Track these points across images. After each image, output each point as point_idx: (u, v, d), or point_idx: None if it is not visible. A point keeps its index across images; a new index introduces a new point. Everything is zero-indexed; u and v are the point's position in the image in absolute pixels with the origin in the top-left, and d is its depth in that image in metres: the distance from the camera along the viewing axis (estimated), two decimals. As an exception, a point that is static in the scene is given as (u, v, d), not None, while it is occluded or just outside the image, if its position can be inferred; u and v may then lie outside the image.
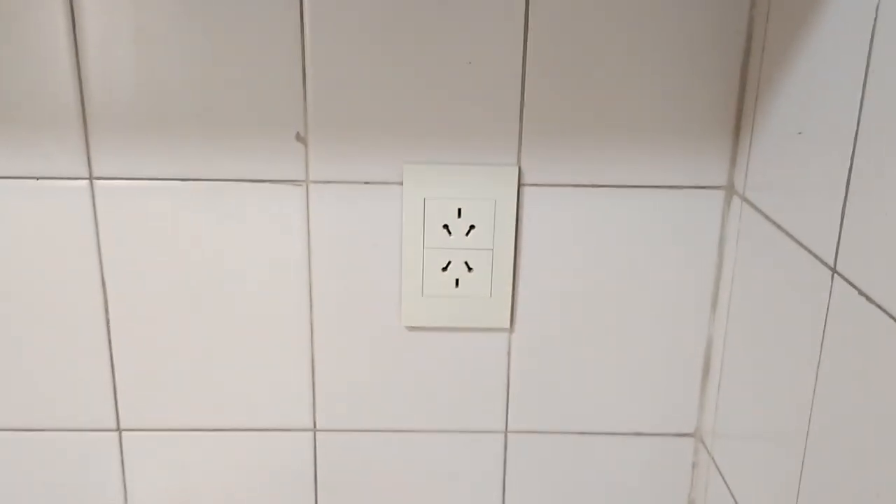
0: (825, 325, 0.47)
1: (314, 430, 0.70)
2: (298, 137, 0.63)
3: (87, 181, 0.63)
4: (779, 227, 0.54)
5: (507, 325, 0.67)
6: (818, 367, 0.48)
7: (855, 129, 0.44)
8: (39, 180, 0.63)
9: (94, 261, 0.65)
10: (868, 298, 0.42)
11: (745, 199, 0.61)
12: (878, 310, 0.41)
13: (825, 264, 0.47)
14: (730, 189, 0.64)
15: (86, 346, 0.67)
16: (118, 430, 0.70)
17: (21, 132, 0.62)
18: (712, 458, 0.67)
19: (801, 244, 0.51)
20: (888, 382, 0.41)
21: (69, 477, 0.71)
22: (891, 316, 0.40)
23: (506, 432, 0.71)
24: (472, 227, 0.64)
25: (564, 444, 0.71)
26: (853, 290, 0.44)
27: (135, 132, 0.62)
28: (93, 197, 0.64)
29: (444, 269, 0.65)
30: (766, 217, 0.57)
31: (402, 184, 0.64)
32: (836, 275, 0.46)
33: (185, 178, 0.63)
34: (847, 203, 0.45)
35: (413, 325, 0.67)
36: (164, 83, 0.61)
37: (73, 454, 0.70)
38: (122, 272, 0.66)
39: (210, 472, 0.71)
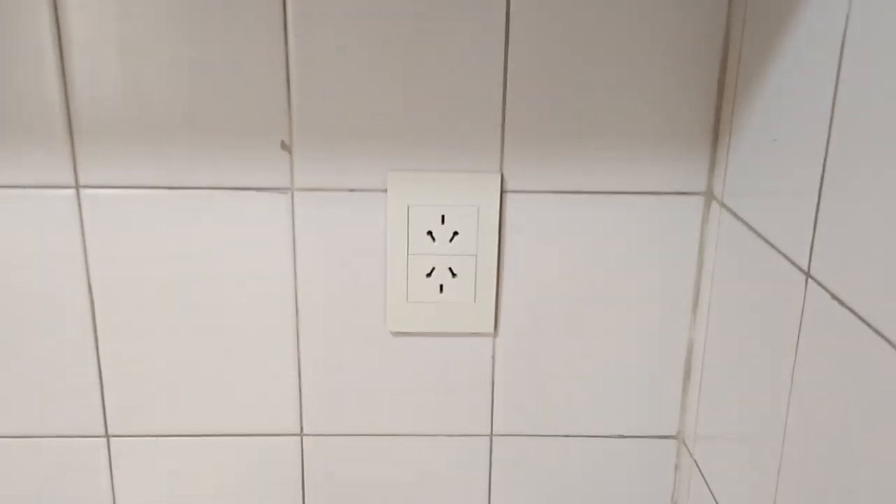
0: (800, 329, 0.48)
1: (301, 434, 0.71)
2: (283, 146, 0.63)
3: (73, 190, 0.64)
4: (756, 232, 0.55)
5: (492, 329, 0.68)
6: (794, 369, 0.49)
7: (826, 136, 0.45)
8: (26, 189, 0.63)
9: (81, 269, 0.65)
10: (840, 302, 0.43)
11: (723, 205, 0.62)
12: (849, 313, 0.42)
13: (799, 269, 0.48)
14: (709, 195, 0.65)
15: (73, 354, 0.68)
16: (106, 436, 0.70)
17: (7, 142, 0.62)
18: (694, 460, 0.68)
19: (776, 249, 0.52)
20: (860, 384, 0.41)
21: (58, 484, 0.71)
22: (862, 319, 0.41)
23: (491, 435, 0.71)
24: (455, 233, 0.65)
25: (549, 446, 0.72)
26: (826, 293, 0.45)
27: (121, 141, 0.62)
28: (79, 205, 0.64)
29: (429, 275, 0.66)
30: (744, 222, 0.58)
31: (386, 191, 0.64)
32: (809, 279, 0.47)
33: (171, 187, 0.64)
34: (819, 209, 0.46)
35: (398, 330, 0.68)
36: (150, 92, 0.61)
37: (62, 461, 0.71)
38: (108, 280, 0.66)
39: (198, 477, 0.72)
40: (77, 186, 0.64)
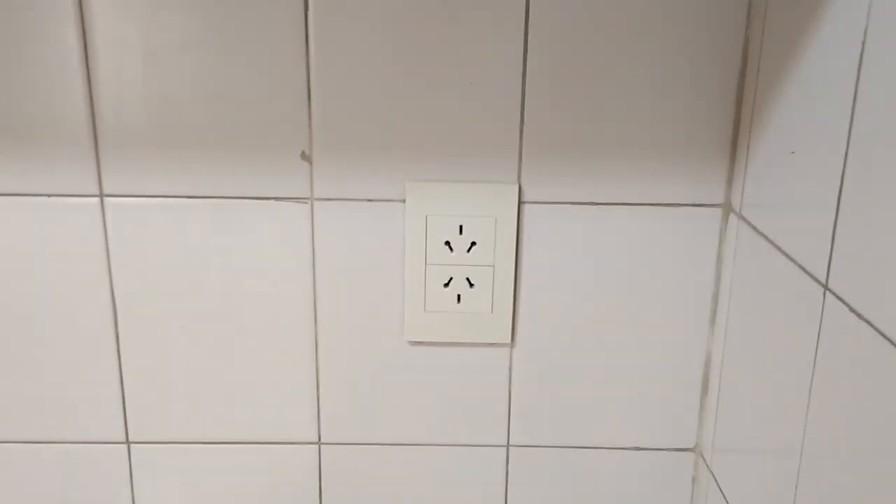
0: (818, 342, 0.48)
1: (319, 443, 0.71)
2: (303, 156, 0.64)
3: (97, 198, 0.65)
4: (774, 244, 0.55)
5: (509, 340, 0.68)
6: (812, 382, 0.49)
7: (845, 148, 0.45)
8: (51, 198, 0.64)
9: (104, 276, 0.66)
10: (858, 315, 0.43)
11: (741, 217, 0.62)
12: (867, 326, 0.42)
13: (817, 281, 0.48)
14: (727, 207, 0.65)
15: (95, 361, 0.69)
16: (127, 442, 0.71)
17: (33, 150, 0.63)
18: (712, 473, 0.68)
19: (794, 261, 0.52)
20: (878, 397, 0.41)
21: (79, 489, 0.72)
22: (879, 332, 0.41)
23: (508, 446, 0.71)
24: (473, 243, 0.65)
25: (566, 458, 0.72)
26: (844, 306, 0.45)
27: (144, 151, 0.63)
28: (103, 214, 0.65)
29: (446, 284, 0.66)
30: (762, 234, 0.58)
31: (404, 201, 0.65)
32: (827, 291, 0.47)
33: (194, 196, 0.65)
34: (838, 221, 0.46)
35: (416, 339, 0.68)
36: (173, 103, 0.62)
37: (83, 467, 0.71)
38: (131, 288, 0.67)
39: (217, 484, 0.72)
40: (101, 195, 0.65)
